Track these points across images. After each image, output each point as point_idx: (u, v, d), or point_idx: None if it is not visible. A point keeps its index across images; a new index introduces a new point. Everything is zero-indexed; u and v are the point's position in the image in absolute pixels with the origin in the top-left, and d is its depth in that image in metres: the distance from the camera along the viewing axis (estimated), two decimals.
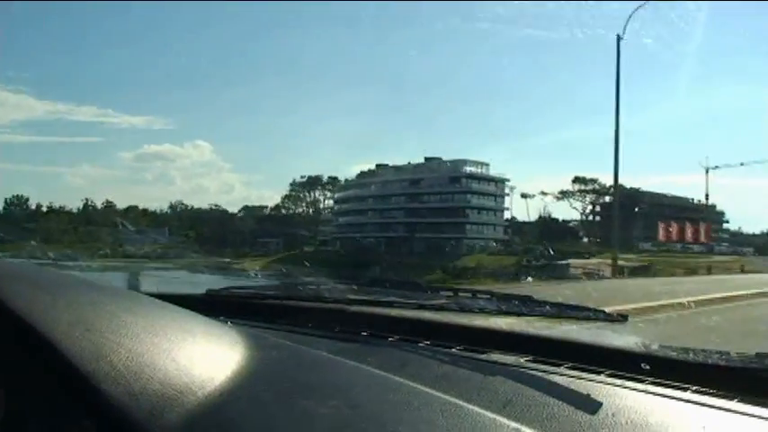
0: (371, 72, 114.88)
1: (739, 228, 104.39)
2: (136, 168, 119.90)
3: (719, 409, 1.22)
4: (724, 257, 62.62)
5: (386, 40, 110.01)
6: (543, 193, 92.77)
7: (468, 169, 79.37)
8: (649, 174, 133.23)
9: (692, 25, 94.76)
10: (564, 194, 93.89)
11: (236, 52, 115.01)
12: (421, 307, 1.91)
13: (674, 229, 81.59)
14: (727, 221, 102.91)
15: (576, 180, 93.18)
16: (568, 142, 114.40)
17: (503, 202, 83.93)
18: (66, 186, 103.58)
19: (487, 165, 79.87)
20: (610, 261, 50.18)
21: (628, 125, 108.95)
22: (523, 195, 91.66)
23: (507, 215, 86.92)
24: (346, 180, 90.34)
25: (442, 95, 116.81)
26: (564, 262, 49.10)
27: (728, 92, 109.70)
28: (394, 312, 1.88)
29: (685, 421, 1.16)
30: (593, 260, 49.64)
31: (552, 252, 56.07)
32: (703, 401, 1.24)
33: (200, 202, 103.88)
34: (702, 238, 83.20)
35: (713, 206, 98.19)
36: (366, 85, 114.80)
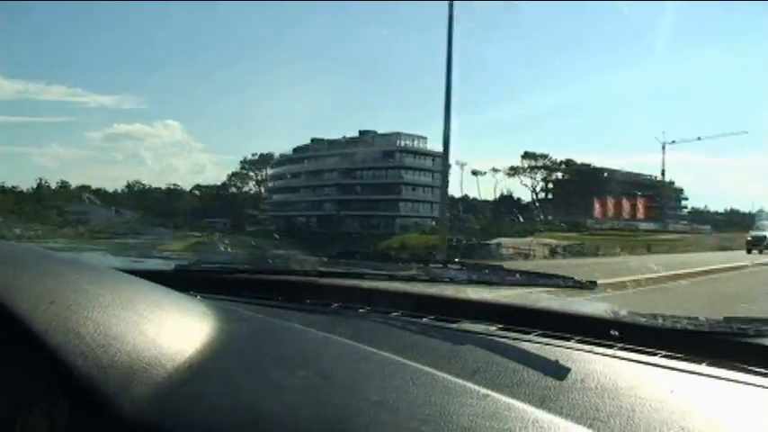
0: (341, 51, 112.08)
1: (705, 206, 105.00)
2: (106, 148, 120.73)
3: (688, 372, 1.26)
4: (672, 236, 60.16)
5: (356, 20, 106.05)
6: (494, 170, 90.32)
7: (403, 143, 75.85)
8: (616, 153, 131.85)
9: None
10: (515, 171, 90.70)
11: (207, 30, 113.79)
12: (391, 278, 1.95)
13: (610, 205, 78.94)
14: (686, 198, 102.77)
15: (526, 156, 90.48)
16: (525, 117, 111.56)
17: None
18: (35, 167, 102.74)
19: (425, 138, 77.76)
20: (546, 241, 47.79)
21: (592, 101, 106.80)
22: (474, 172, 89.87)
23: (457, 192, 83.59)
24: (281, 155, 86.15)
25: (411, 71, 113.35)
26: (495, 241, 46.93)
27: (696, 65, 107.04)
28: (365, 284, 1.91)
29: (654, 385, 1.18)
30: (526, 239, 48.95)
31: (522, 221, 57.08)
32: (672, 365, 1.28)
33: (169, 182, 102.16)
34: (641, 215, 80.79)
35: (671, 183, 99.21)
36: (335, 64, 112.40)
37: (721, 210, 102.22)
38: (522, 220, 55.60)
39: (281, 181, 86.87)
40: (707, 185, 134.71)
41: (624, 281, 13.91)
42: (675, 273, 17.16)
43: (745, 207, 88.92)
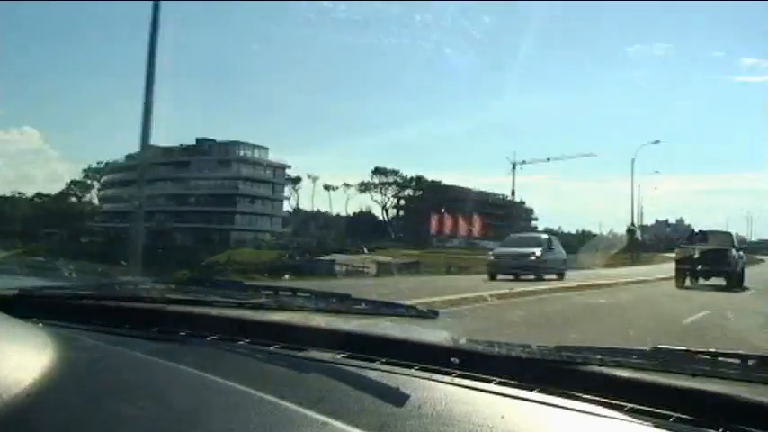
0: (205, 60, 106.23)
1: (559, 227, 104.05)
2: None
3: (519, 398, 1.32)
4: None
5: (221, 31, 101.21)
6: (346, 185, 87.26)
7: (242, 153, 71.73)
8: (471, 174, 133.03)
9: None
10: (366, 187, 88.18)
11: (60, 35, 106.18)
12: (240, 305, 1.96)
13: (449, 223, 77.99)
14: (536, 219, 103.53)
15: (377, 171, 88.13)
16: (382, 140, 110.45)
17: (282, 191, 77.13)
18: None
19: (266, 149, 74.24)
20: (380, 258, 46.17)
21: (456, 127, 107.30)
22: (326, 187, 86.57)
23: (309, 207, 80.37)
24: (112, 163, 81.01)
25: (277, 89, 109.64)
26: (328, 258, 45.49)
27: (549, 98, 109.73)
28: (213, 311, 1.90)
29: (486, 411, 1.23)
30: (361, 256, 48.28)
31: (366, 251, 53.67)
32: (505, 392, 1.35)
33: (22, 191, 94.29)
34: (476, 233, 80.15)
35: (522, 202, 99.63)
36: (199, 75, 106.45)
37: (573, 231, 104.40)
38: (366, 252, 53.36)
39: (113, 190, 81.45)
40: (560, 207, 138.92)
41: (430, 301, 12.99)
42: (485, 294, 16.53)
43: (595, 228, 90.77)
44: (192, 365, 1.26)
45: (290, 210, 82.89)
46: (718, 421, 1.22)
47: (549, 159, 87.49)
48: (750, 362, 1.41)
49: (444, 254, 56.82)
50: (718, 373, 1.39)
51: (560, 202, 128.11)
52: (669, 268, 28.39)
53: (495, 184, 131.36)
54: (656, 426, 1.23)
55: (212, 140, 74.72)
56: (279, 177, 78.46)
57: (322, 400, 1.20)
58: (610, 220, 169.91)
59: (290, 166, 79.32)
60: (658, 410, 1.27)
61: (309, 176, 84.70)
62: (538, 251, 28.10)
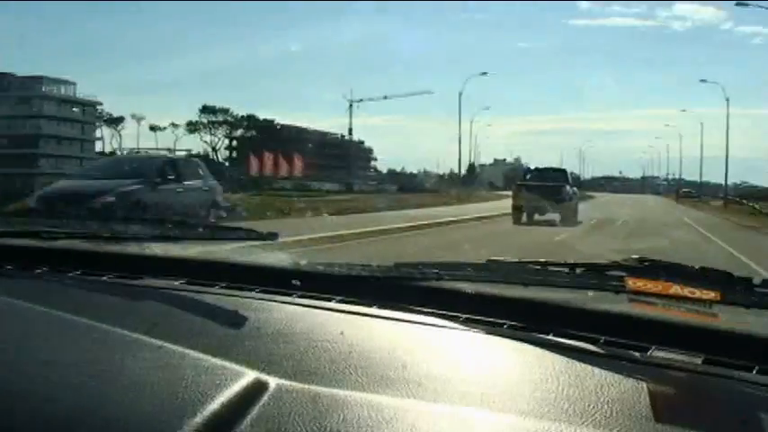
0: None
1: (402, 167, 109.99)
2: None
3: (358, 314, 1.37)
4: (344, 196, 55.97)
5: None
6: (174, 125, 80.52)
7: (44, 88, 63.87)
8: (317, 114, 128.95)
9: None
10: (194, 127, 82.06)
11: None
12: (70, 236, 1.92)
13: (267, 162, 73.56)
14: (375, 159, 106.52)
15: (205, 110, 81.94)
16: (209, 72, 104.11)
17: (93, 131, 69.86)
18: None
19: (73, 84, 66.90)
20: None
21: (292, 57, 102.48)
22: (152, 128, 79.63)
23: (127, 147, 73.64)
24: None
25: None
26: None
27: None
28: (42, 243, 1.83)
29: (327, 328, 1.26)
30: None
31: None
32: (345, 309, 1.40)
33: None
34: (297, 172, 76.62)
35: (360, 142, 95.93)
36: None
37: (415, 171, 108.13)
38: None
39: None
40: (404, 148, 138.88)
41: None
42: None
43: (435, 168, 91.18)
44: (17, 297, 1.25)
45: (114, 151, 76.26)
46: (548, 326, 1.27)
47: (386, 97, 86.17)
48: (578, 270, 1.46)
49: (265, 196, 52.90)
50: (548, 282, 1.45)
51: (403, 143, 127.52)
52: (492, 207, 28.48)
53: (336, 125, 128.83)
54: (488, 333, 1.27)
55: (11, 74, 66.41)
56: (89, 116, 72.42)
57: (157, 326, 1.19)
58: (451, 159, 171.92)
59: (101, 103, 73.96)
60: (492, 319, 1.32)
61: (134, 116, 78.54)
62: (135, 186, 14.84)
